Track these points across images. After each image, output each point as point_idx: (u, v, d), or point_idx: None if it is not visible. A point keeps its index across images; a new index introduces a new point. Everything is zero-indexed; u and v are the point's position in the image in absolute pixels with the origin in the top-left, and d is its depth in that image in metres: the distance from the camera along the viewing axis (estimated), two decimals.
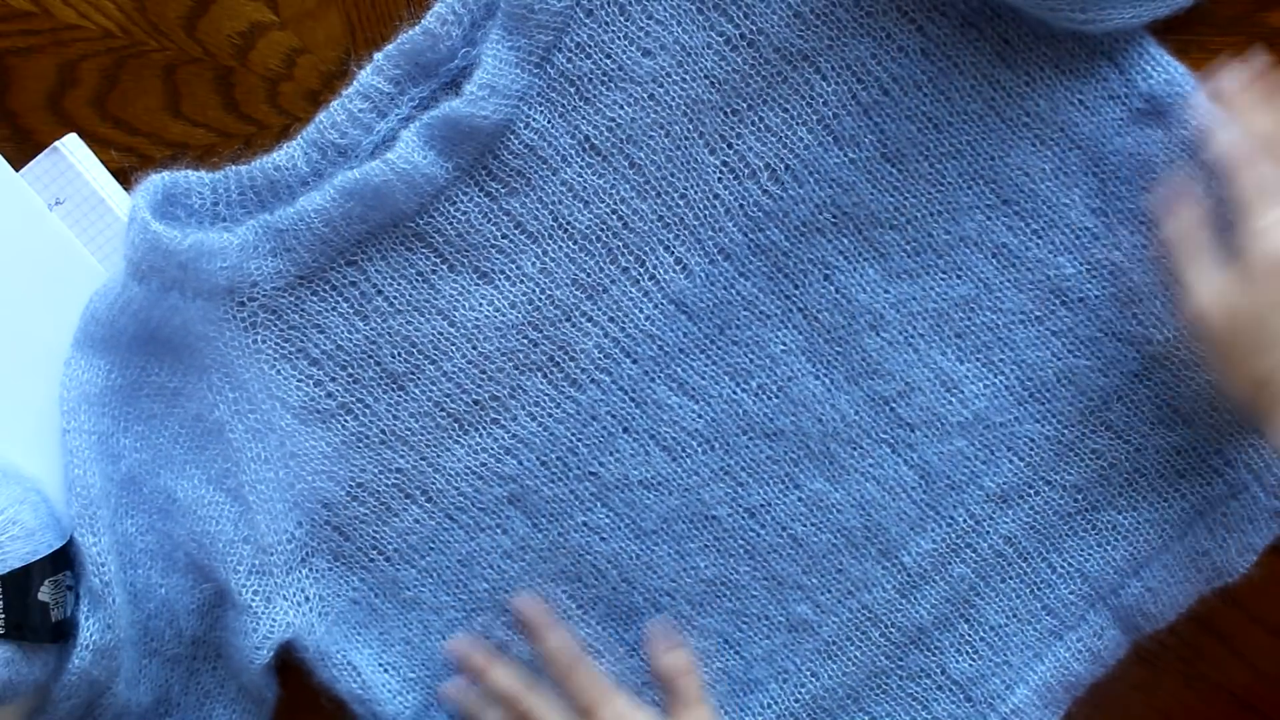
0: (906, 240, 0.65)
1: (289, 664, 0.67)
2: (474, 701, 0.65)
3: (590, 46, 0.63)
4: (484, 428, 0.65)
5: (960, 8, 0.63)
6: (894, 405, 0.66)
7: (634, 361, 0.65)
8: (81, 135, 0.66)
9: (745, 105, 0.64)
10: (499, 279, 0.65)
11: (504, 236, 0.64)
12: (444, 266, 0.64)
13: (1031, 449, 0.66)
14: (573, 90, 0.63)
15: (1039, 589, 0.67)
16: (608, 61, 0.63)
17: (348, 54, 0.67)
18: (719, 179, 0.64)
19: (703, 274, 0.65)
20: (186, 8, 0.66)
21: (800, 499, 0.67)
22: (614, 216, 0.64)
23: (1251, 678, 0.67)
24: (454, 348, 0.65)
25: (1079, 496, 0.67)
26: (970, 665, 0.68)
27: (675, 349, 0.66)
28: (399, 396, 0.65)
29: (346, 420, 0.65)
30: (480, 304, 0.65)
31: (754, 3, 0.63)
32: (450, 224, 0.64)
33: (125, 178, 0.67)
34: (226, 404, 0.65)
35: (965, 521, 0.67)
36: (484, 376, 0.65)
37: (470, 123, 0.62)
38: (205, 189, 0.64)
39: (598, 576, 0.67)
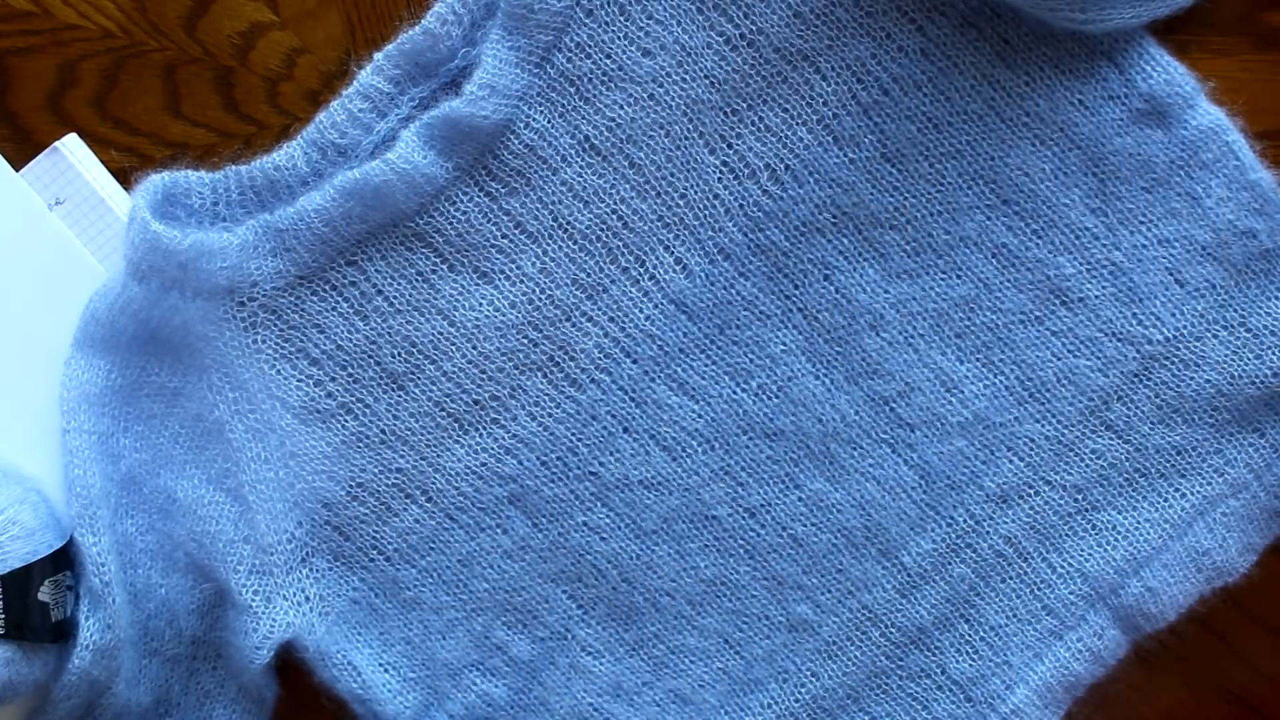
0: (906, 240, 0.65)
1: (289, 664, 0.67)
2: None
3: (590, 46, 0.63)
4: (484, 428, 0.65)
5: (960, 8, 0.63)
6: (894, 405, 0.66)
7: (634, 361, 0.65)
8: (81, 135, 0.66)
9: (745, 105, 0.64)
10: (499, 279, 0.65)
11: (504, 236, 0.64)
12: (444, 266, 0.64)
13: (1031, 449, 0.66)
14: (573, 90, 0.64)
15: (1039, 589, 0.67)
16: (608, 61, 0.63)
17: (348, 54, 0.67)
18: (719, 179, 0.64)
19: (703, 274, 0.65)
20: (186, 8, 0.66)
21: (800, 499, 0.67)
22: (614, 216, 0.65)
23: (1251, 678, 0.67)
24: (454, 347, 0.65)
25: (1079, 496, 0.67)
26: (970, 665, 0.68)
27: (675, 349, 0.66)
28: (399, 396, 0.65)
29: (346, 420, 0.65)
30: (480, 304, 0.65)
31: (754, 3, 0.63)
32: (450, 224, 0.64)
33: (125, 178, 0.67)
34: (226, 404, 0.65)
35: (965, 521, 0.67)
36: (484, 376, 0.65)
37: (470, 123, 0.62)
38: (205, 189, 0.64)
39: (598, 576, 0.67)
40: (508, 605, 0.67)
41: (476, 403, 0.65)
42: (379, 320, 0.65)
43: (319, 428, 0.65)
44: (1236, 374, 0.66)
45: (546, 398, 0.65)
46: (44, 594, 0.62)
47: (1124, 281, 0.65)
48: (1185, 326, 0.66)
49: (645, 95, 0.64)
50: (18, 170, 0.66)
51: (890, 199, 0.65)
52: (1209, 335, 0.66)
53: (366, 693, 0.66)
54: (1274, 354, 0.65)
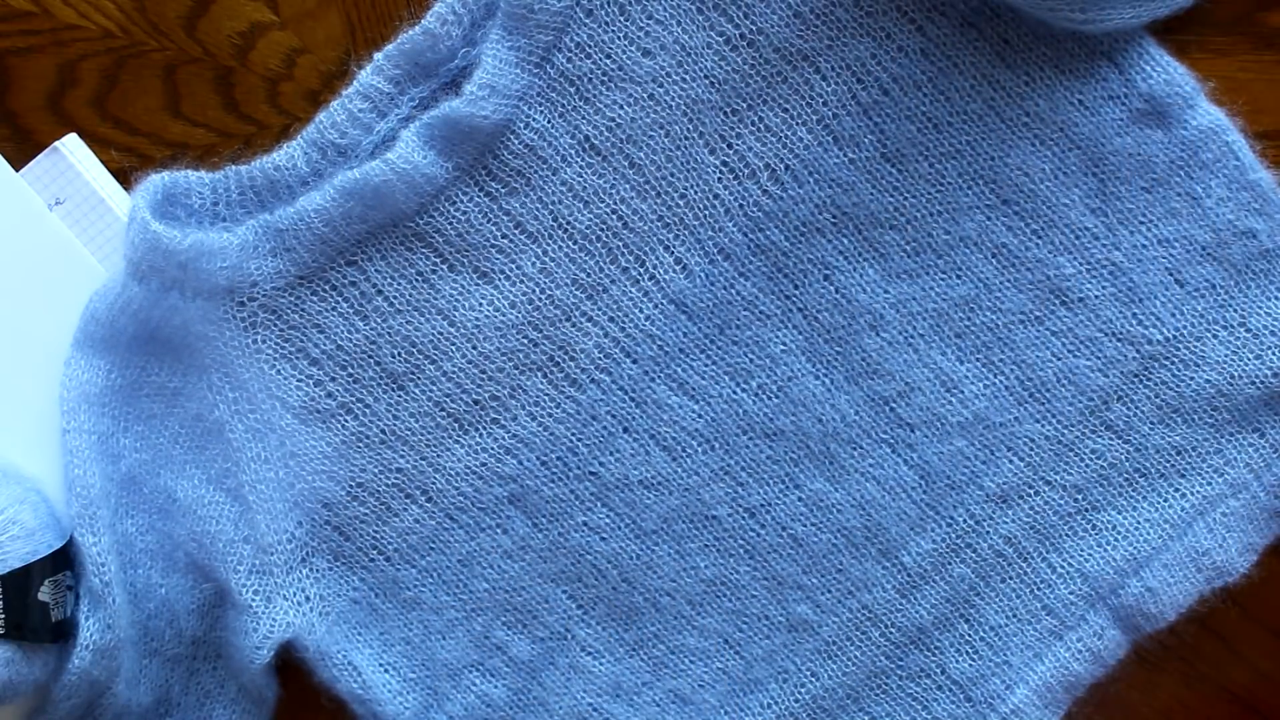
0: (906, 240, 0.65)
1: (289, 664, 0.67)
2: None
3: (590, 46, 0.63)
4: (484, 427, 0.65)
5: (960, 8, 0.63)
6: (894, 405, 0.66)
7: (634, 361, 0.65)
8: (81, 135, 0.66)
9: (745, 105, 0.64)
10: (499, 279, 0.65)
11: (504, 236, 0.64)
12: (444, 266, 0.64)
13: (1031, 449, 0.66)
14: (573, 90, 0.64)
15: (1039, 589, 0.67)
16: (608, 61, 0.63)
17: (348, 54, 0.67)
18: (719, 179, 0.64)
19: (703, 274, 0.65)
20: (186, 8, 0.66)
21: (800, 499, 0.67)
22: (614, 216, 0.65)
23: (1251, 678, 0.67)
24: (454, 347, 0.65)
25: (1079, 496, 0.67)
26: (970, 665, 0.68)
27: (675, 349, 0.66)
28: (399, 396, 0.65)
29: (346, 420, 0.65)
30: (480, 304, 0.65)
31: (754, 3, 0.63)
32: (450, 224, 0.64)
33: (125, 178, 0.67)
34: (226, 404, 0.65)
35: (965, 521, 0.67)
36: (484, 376, 0.65)
37: (470, 123, 0.62)
38: (205, 189, 0.64)
39: (598, 576, 0.67)
40: (508, 605, 0.67)
41: (476, 403, 0.65)
42: (379, 320, 0.65)
43: (319, 428, 0.65)
44: (1236, 374, 0.66)
45: (546, 398, 0.65)
46: (44, 594, 0.62)
47: (1124, 281, 0.65)
48: (1185, 326, 0.66)
49: (645, 95, 0.64)
50: (18, 170, 0.66)
51: (890, 199, 0.65)
52: (1209, 335, 0.66)
53: (367, 693, 0.66)
54: (1274, 354, 0.65)
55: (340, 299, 0.64)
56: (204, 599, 0.67)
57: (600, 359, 0.65)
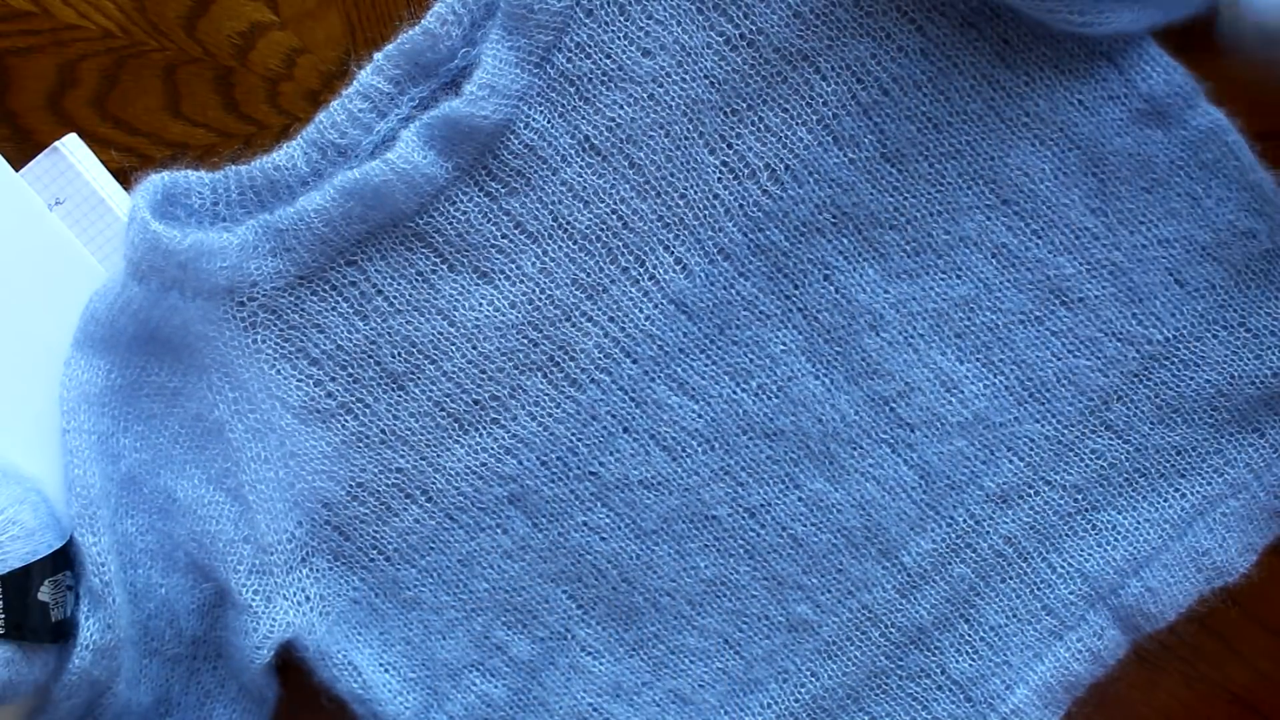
0: (906, 240, 0.65)
1: (289, 664, 0.67)
2: None
3: (590, 46, 0.63)
4: (484, 427, 0.65)
5: (960, 8, 0.63)
6: (894, 405, 0.66)
7: (634, 361, 0.65)
8: (81, 135, 0.66)
9: (745, 105, 0.64)
10: (499, 279, 0.65)
11: (504, 236, 0.64)
12: (444, 266, 0.65)
13: (1031, 449, 0.66)
14: (573, 90, 0.64)
15: (1039, 589, 0.67)
16: (608, 61, 0.63)
17: (348, 54, 0.67)
18: (719, 179, 0.64)
19: (703, 274, 0.65)
20: (186, 8, 0.66)
21: (800, 499, 0.67)
22: (614, 216, 0.65)
23: (1251, 678, 0.67)
24: (454, 347, 0.65)
25: (1079, 496, 0.67)
26: (970, 665, 0.68)
27: (675, 349, 0.66)
28: (399, 396, 0.65)
29: (346, 420, 0.65)
30: (480, 304, 0.65)
31: (754, 3, 0.63)
32: (450, 224, 0.64)
33: (125, 178, 0.67)
34: (226, 404, 0.65)
35: (965, 521, 0.67)
36: (484, 376, 0.65)
37: (470, 123, 0.62)
38: (205, 189, 0.64)
39: (598, 576, 0.67)
40: (508, 605, 0.67)
41: (476, 403, 0.65)
42: (379, 320, 0.65)
43: (319, 427, 0.65)
44: (1236, 374, 0.66)
45: (546, 398, 0.65)
46: (44, 594, 0.62)
47: (1124, 281, 0.65)
48: (1185, 326, 0.66)
49: (645, 95, 0.64)
50: (18, 170, 0.66)
51: (890, 199, 0.65)
52: (1209, 335, 0.66)
53: (367, 693, 0.66)
54: (1274, 354, 0.65)
55: (340, 299, 0.64)
56: (204, 599, 0.67)
57: (600, 359, 0.65)
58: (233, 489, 0.65)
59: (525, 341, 0.65)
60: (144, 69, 0.67)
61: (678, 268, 0.65)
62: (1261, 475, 0.66)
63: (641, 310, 0.65)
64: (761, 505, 0.66)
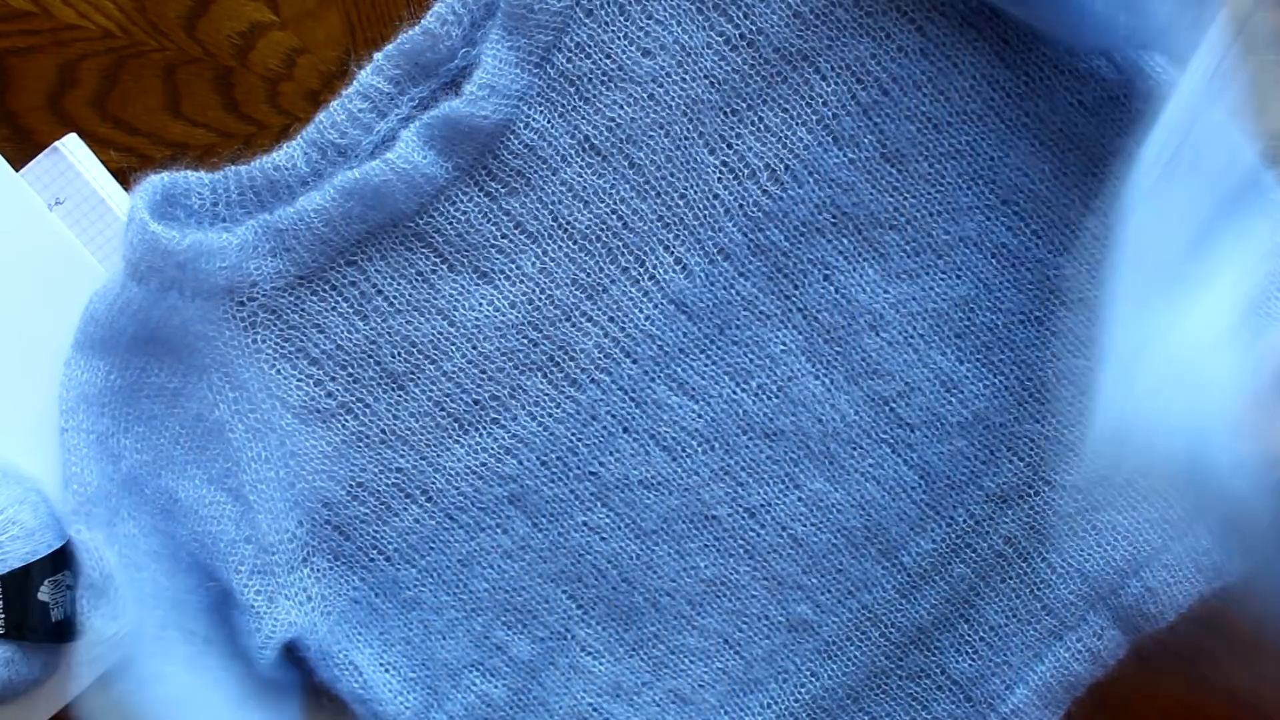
0: (906, 240, 0.65)
1: (290, 664, 0.67)
2: None
3: (590, 46, 0.63)
4: (484, 427, 0.65)
5: (960, 8, 0.63)
6: (894, 405, 0.66)
7: (634, 361, 0.65)
8: (81, 135, 0.66)
9: (745, 105, 0.64)
10: (499, 279, 0.65)
11: (504, 236, 0.64)
12: (444, 266, 0.65)
13: (1031, 449, 0.66)
14: (572, 90, 0.64)
15: (1039, 589, 0.67)
16: (607, 61, 0.63)
17: (348, 54, 0.67)
18: (719, 179, 0.64)
19: (702, 274, 0.65)
20: (186, 8, 0.66)
21: (800, 499, 0.67)
22: (614, 216, 0.65)
23: (1251, 678, 0.67)
24: (454, 347, 0.65)
25: (1079, 496, 0.67)
26: (970, 665, 0.68)
27: (675, 349, 0.66)
28: (399, 396, 0.65)
29: (347, 420, 0.65)
30: (480, 304, 0.65)
31: (754, 3, 0.63)
32: (450, 224, 0.64)
33: (125, 178, 0.67)
34: (227, 404, 0.65)
35: (965, 521, 0.67)
36: (484, 376, 0.65)
37: (470, 123, 0.62)
38: (205, 189, 0.64)
39: (598, 576, 0.67)
40: (508, 605, 0.67)
41: (476, 403, 0.65)
42: (379, 320, 0.65)
43: (319, 427, 0.65)
44: None
45: (546, 398, 0.65)
46: (44, 594, 0.62)
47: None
48: None
49: (645, 95, 0.64)
50: (18, 170, 0.66)
51: (890, 199, 0.65)
52: None
53: (368, 692, 0.66)
54: None
55: (340, 299, 0.64)
56: (212, 598, 0.67)
57: (600, 359, 0.65)
58: (234, 489, 0.65)
59: (525, 341, 0.65)
60: (144, 69, 0.67)
61: (678, 268, 0.65)
62: None
63: (641, 310, 0.65)
64: (761, 505, 0.66)
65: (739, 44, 0.63)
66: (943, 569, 0.67)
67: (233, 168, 0.64)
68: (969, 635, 0.68)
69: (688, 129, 0.64)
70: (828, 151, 0.64)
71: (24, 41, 0.66)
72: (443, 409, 0.65)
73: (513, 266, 0.65)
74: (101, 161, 0.67)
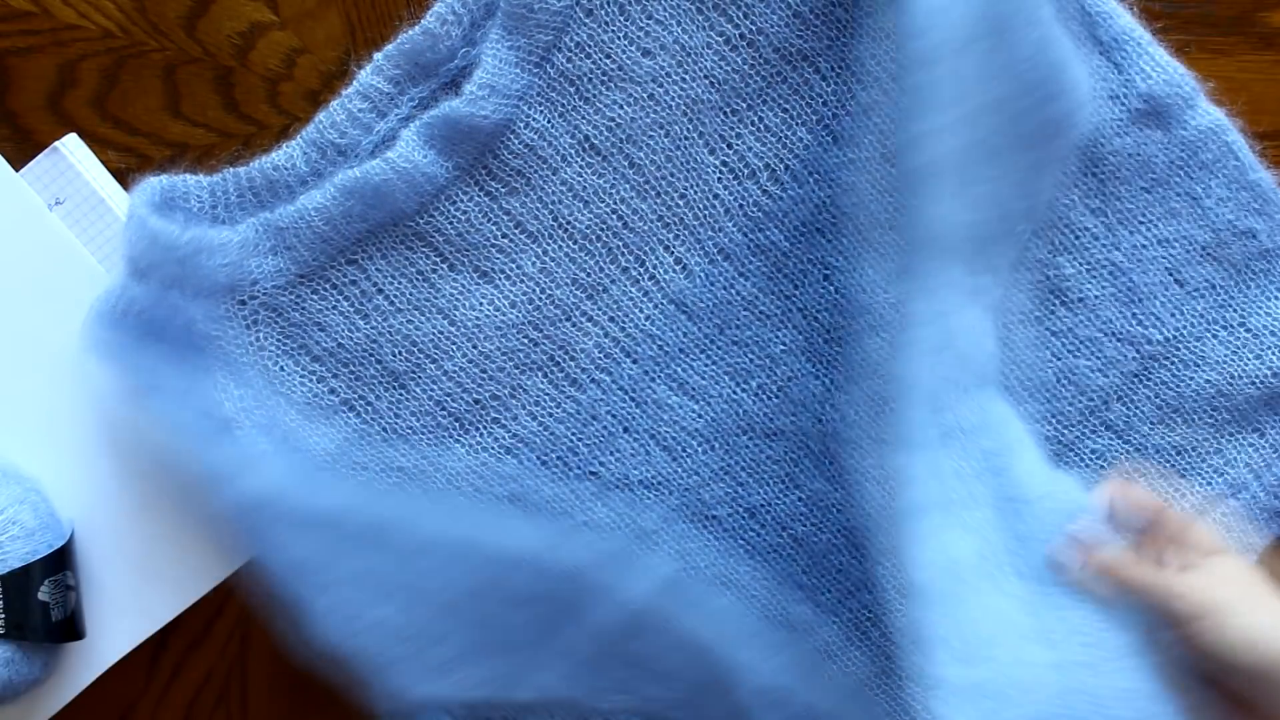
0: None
1: (291, 665, 0.67)
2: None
3: (590, 46, 0.63)
4: (484, 427, 0.65)
5: None
6: (894, 405, 0.66)
7: (634, 361, 0.65)
8: (81, 135, 0.66)
9: (745, 105, 0.64)
10: (499, 278, 0.65)
11: (504, 236, 0.64)
12: (444, 265, 0.65)
13: None
14: (572, 90, 0.64)
15: None
16: (607, 61, 0.63)
17: (348, 54, 0.67)
18: (719, 179, 0.64)
19: (703, 274, 0.65)
20: (186, 8, 0.66)
21: (800, 499, 0.67)
22: (614, 216, 0.65)
23: None
24: (454, 347, 0.65)
25: None
26: None
27: (675, 349, 0.66)
28: (400, 395, 0.65)
29: (349, 417, 0.65)
30: (480, 303, 0.65)
31: (754, 3, 0.63)
32: (450, 223, 0.64)
33: (125, 178, 0.67)
34: (233, 401, 0.65)
35: None
36: (484, 376, 0.65)
37: (470, 122, 0.62)
38: (203, 192, 0.64)
39: None
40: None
41: (477, 402, 0.65)
42: (379, 319, 0.65)
43: (322, 424, 0.65)
44: (1236, 374, 0.66)
45: (547, 397, 0.65)
46: (44, 594, 0.62)
47: (1124, 281, 0.65)
48: (1185, 326, 0.66)
49: (645, 95, 0.64)
50: (18, 170, 0.66)
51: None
52: (1209, 335, 0.66)
53: None
54: (1274, 354, 0.65)
55: (341, 297, 0.64)
56: None
57: (600, 359, 0.65)
58: None
59: (525, 341, 0.65)
60: (144, 69, 0.67)
61: (678, 268, 0.65)
62: (1261, 475, 0.66)
63: (641, 310, 0.65)
64: (762, 505, 0.66)
65: (739, 44, 0.63)
66: None
67: (231, 170, 0.64)
68: None
69: (688, 129, 0.64)
70: (828, 151, 0.64)
71: (24, 41, 0.66)
72: (443, 408, 0.65)
73: (513, 266, 0.65)
74: (101, 161, 0.67)
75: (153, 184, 0.63)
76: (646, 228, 0.65)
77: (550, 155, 0.64)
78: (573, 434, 0.66)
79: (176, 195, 0.64)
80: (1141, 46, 0.64)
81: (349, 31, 0.67)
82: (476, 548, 0.62)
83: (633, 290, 0.65)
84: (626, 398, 0.66)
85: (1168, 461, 0.66)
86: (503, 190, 0.64)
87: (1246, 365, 0.66)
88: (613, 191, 0.64)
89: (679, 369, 0.66)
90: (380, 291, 0.64)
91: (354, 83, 0.64)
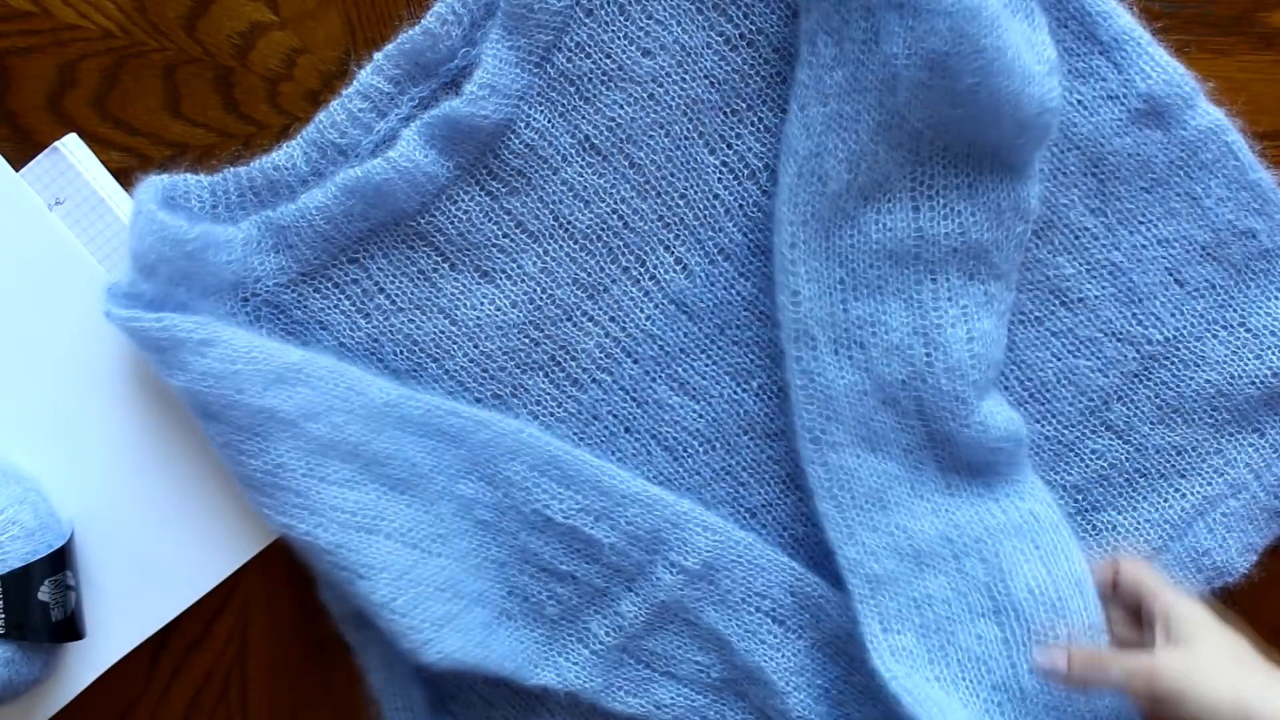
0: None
1: (291, 665, 0.67)
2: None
3: (590, 46, 0.63)
4: None
5: None
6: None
7: (635, 361, 0.65)
8: (81, 135, 0.66)
9: (745, 105, 0.64)
10: (500, 278, 0.65)
11: (505, 235, 0.64)
12: (445, 265, 0.64)
13: (1031, 449, 0.66)
14: (573, 90, 0.64)
15: None
16: (608, 61, 0.63)
17: (348, 54, 0.67)
18: (719, 179, 0.65)
19: (703, 274, 0.65)
20: (186, 8, 0.66)
21: (800, 499, 0.66)
22: (614, 216, 0.65)
23: None
24: (456, 346, 0.65)
25: (1079, 496, 0.67)
26: None
27: (676, 349, 0.66)
28: None
29: None
30: (481, 303, 0.65)
31: (754, 3, 0.63)
32: (451, 223, 0.64)
33: (125, 178, 0.67)
34: None
35: None
36: (486, 375, 0.65)
37: (470, 122, 0.62)
38: (204, 191, 0.64)
39: None
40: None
41: (478, 401, 0.65)
42: (381, 318, 0.65)
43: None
44: (1236, 374, 0.66)
45: (548, 397, 0.65)
46: (44, 594, 0.62)
47: (1124, 282, 0.65)
48: (1185, 326, 0.66)
49: (645, 95, 0.64)
50: (18, 170, 0.66)
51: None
52: (1209, 335, 0.66)
53: None
54: (1274, 354, 0.65)
55: (342, 296, 0.64)
56: None
57: (601, 359, 0.65)
58: None
59: (527, 341, 0.65)
60: (144, 69, 0.67)
61: (678, 268, 0.65)
62: (1261, 475, 0.66)
63: (642, 310, 0.65)
64: (762, 505, 0.66)
65: (739, 44, 0.63)
66: None
67: (232, 169, 0.64)
68: None
69: (688, 129, 0.64)
70: None
71: (24, 41, 0.66)
72: None
73: (514, 266, 0.65)
74: (101, 161, 0.67)
75: (155, 183, 0.63)
76: (647, 227, 0.65)
77: (551, 155, 0.64)
78: (574, 434, 0.66)
79: (178, 194, 0.64)
80: (1141, 46, 0.64)
81: (349, 31, 0.67)
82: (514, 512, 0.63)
83: (633, 290, 0.65)
84: (627, 397, 0.66)
85: (1168, 461, 0.67)
86: (503, 190, 0.64)
87: (1246, 365, 0.66)
88: (613, 191, 0.64)
89: (680, 369, 0.66)
90: (381, 290, 0.64)
91: (354, 83, 0.64)
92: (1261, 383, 0.66)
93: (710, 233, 0.65)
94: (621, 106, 0.64)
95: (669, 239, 0.65)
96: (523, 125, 0.63)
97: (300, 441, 0.61)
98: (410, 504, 0.62)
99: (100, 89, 0.67)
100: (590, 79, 0.63)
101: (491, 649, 0.63)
